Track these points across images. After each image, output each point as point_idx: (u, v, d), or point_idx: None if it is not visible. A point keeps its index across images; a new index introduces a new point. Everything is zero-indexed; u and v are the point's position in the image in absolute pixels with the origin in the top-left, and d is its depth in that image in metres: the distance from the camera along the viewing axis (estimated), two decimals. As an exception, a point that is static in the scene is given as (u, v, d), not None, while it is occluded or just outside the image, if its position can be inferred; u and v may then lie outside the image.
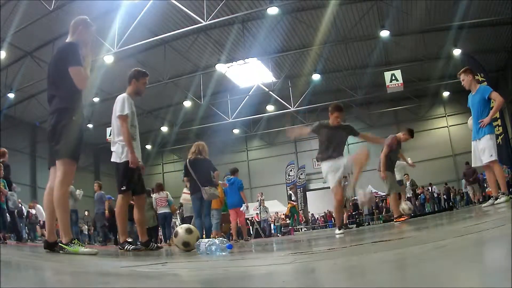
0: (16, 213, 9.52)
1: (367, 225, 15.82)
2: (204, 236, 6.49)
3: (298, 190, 21.66)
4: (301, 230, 19.29)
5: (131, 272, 1.96)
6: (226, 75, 21.00)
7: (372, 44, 18.65)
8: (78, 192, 10.70)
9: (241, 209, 9.40)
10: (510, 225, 2.06)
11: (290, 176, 23.01)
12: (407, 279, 1.16)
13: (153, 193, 10.26)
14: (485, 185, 14.86)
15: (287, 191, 21.16)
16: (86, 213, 17.41)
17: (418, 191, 16.79)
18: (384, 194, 16.01)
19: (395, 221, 7.04)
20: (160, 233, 11.25)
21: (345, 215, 11.60)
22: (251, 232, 14.59)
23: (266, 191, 20.31)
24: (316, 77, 20.48)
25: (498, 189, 5.58)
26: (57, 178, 3.21)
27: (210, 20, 14.07)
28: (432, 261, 1.36)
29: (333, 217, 18.67)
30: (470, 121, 5.91)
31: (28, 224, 13.32)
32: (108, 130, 18.26)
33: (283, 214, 19.39)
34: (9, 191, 8.70)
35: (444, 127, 26.29)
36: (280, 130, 26.15)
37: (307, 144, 26.55)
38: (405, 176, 11.70)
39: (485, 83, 9.51)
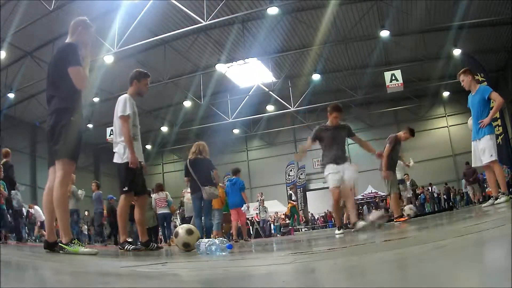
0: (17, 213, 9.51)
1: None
2: (204, 236, 6.49)
3: (298, 190, 21.67)
4: (301, 230, 19.27)
5: (131, 272, 1.96)
6: (226, 75, 20.97)
7: (372, 44, 18.63)
8: (80, 192, 10.65)
9: (242, 209, 9.42)
10: (510, 225, 2.06)
11: (290, 176, 23.02)
12: (407, 279, 1.16)
13: (153, 193, 10.26)
14: (485, 185, 14.85)
15: (287, 191, 21.15)
16: (86, 213, 17.39)
17: (418, 191, 16.77)
18: (384, 194, 16.00)
19: (395, 221, 7.05)
20: (160, 233, 11.26)
21: (345, 215, 11.57)
22: (251, 232, 14.59)
23: (266, 191, 20.30)
24: (316, 77, 20.45)
25: (498, 189, 5.57)
26: (56, 178, 3.21)
27: (210, 20, 14.06)
28: (432, 261, 1.36)
29: (333, 217, 18.65)
30: (470, 121, 5.91)
31: (28, 224, 13.32)
32: (108, 130, 18.28)
33: (283, 214, 19.39)
34: (13, 190, 8.72)
35: (444, 127, 26.29)
36: (280, 130, 26.11)
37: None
38: (405, 176, 11.69)
39: (485, 83, 9.52)
